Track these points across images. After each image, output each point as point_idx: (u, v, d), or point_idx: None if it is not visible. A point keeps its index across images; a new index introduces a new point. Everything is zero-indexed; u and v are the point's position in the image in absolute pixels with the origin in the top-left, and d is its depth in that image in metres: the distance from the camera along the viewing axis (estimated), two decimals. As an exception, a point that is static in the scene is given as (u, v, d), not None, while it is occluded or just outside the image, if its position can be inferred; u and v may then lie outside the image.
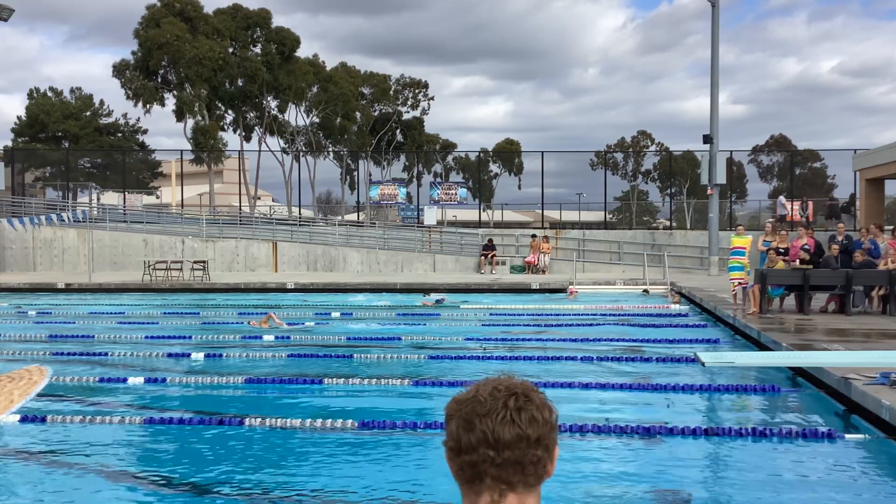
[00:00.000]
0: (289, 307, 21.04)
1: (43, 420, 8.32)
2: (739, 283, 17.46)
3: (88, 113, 56.62)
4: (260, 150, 50.10)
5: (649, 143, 69.16)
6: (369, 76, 55.82)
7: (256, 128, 50.40)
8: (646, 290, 24.84)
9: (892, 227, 17.94)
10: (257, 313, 19.50)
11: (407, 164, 58.05)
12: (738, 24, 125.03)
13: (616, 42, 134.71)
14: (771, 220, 22.52)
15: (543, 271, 31.55)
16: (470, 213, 45.27)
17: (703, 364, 10.26)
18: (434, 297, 22.59)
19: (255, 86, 46.82)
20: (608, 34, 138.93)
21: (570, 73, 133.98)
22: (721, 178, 29.47)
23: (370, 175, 48.06)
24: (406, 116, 58.10)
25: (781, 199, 36.32)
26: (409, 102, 57.68)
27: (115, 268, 32.72)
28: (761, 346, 12.64)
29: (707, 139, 28.92)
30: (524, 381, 1.58)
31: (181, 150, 45.73)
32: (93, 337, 15.06)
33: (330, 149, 55.28)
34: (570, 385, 9.87)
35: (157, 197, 52.66)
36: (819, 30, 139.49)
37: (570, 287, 24.78)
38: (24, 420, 8.22)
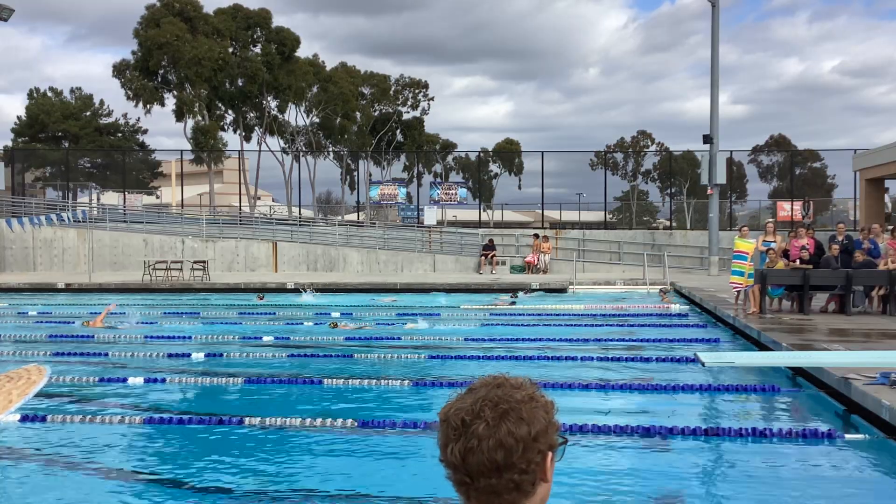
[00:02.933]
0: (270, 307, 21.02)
1: (43, 420, 8.32)
2: (737, 288, 17.41)
3: (88, 113, 56.64)
4: (260, 150, 50.19)
5: (649, 143, 69.19)
6: (369, 76, 55.82)
7: (256, 128, 50.41)
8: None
9: (891, 227, 17.88)
10: (257, 313, 19.50)
11: (407, 164, 58.02)
12: (739, 24, 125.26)
13: (617, 42, 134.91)
14: (771, 220, 22.39)
15: (543, 271, 31.56)
16: (470, 213, 45.26)
17: (703, 364, 10.26)
18: (508, 297, 22.56)
19: (255, 86, 46.81)
20: (609, 34, 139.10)
21: (571, 73, 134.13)
22: (721, 178, 29.47)
23: (370, 175, 48.09)
24: (406, 116, 58.09)
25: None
26: (409, 102, 57.70)
27: (115, 268, 32.71)
28: (761, 346, 12.63)
29: (707, 139, 28.90)
30: (515, 387, 1.52)
31: (181, 150, 45.79)
32: (93, 337, 15.05)
33: (330, 149, 55.28)
34: (570, 385, 9.88)
35: (157, 197, 52.64)
36: (821, 30, 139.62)
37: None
38: (23, 420, 8.22)
